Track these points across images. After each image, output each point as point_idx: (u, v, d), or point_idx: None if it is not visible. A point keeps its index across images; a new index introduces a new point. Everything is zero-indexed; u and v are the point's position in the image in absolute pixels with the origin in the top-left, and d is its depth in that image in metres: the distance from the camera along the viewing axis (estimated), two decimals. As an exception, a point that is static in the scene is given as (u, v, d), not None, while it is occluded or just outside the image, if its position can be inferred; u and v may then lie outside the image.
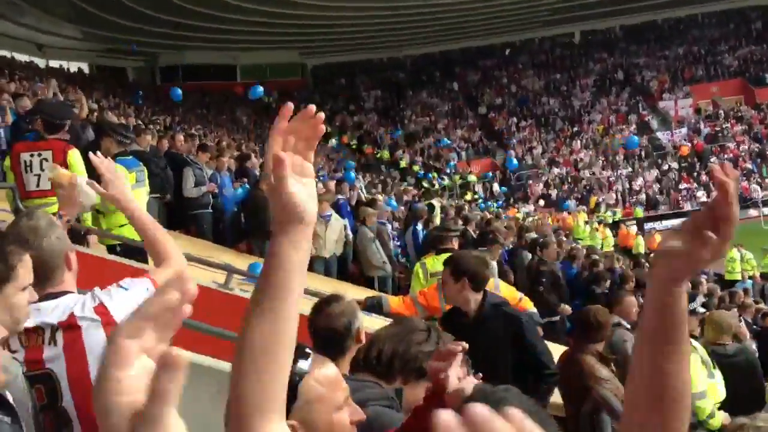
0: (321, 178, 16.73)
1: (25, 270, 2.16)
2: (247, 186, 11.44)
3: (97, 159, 2.80)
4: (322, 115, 1.37)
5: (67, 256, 2.50)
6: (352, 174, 19.16)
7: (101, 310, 2.40)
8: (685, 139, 39.08)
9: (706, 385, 5.22)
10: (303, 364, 1.79)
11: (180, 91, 20.75)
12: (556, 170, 39.14)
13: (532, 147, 41.12)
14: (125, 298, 2.45)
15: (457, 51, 48.61)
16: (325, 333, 3.08)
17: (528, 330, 4.38)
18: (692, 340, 5.41)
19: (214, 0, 33.27)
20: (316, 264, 10.58)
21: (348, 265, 11.61)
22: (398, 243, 12.63)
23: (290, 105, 1.33)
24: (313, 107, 1.36)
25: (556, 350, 9.11)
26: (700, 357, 5.27)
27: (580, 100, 44.33)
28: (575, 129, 42.03)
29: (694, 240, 1.24)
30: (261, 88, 19.57)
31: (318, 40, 43.62)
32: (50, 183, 6.05)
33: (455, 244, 7.05)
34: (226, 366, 4.36)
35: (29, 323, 2.33)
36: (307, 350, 1.85)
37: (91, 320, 2.38)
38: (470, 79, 47.87)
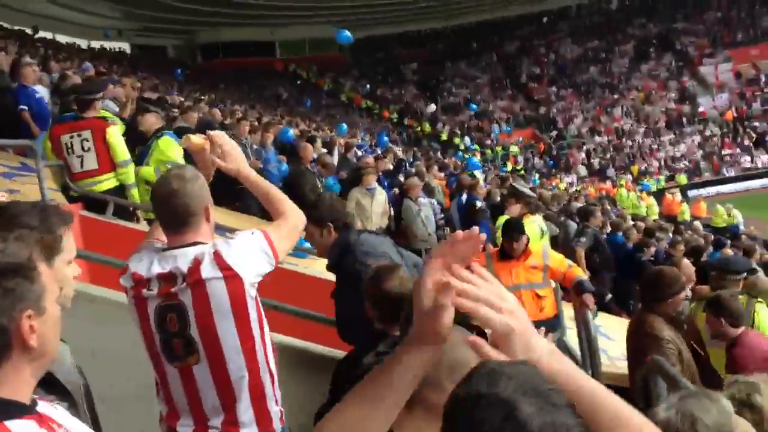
0: (365, 152, 16.66)
1: (69, 242, 2.12)
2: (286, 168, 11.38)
3: (213, 133, 2.98)
4: (483, 236, 1.35)
5: (207, 208, 2.76)
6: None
7: (219, 260, 2.64)
8: (726, 105, 38.41)
9: None
10: None
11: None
12: (597, 139, 38.62)
13: (572, 116, 40.56)
14: (236, 245, 2.71)
15: (493, 20, 47.88)
16: (386, 300, 3.17)
17: None
18: None
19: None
20: (363, 237, 10.52)
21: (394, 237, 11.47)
22: (441, 216, 12.47)
23: (459, 234, 1.33)
24: (477, 231, 1.33)
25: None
26: None
27: (620, 68, 43.59)
28: (615, 97, 41.37)
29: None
30: (347, 33, 16.69)
31: (355, 14, 43.29)
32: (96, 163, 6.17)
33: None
34: (282, 338, 4.33)
35: (165, 268, 2.67)
36: None
37: (212, 269, 2.64)
38: (508, 49, 47.21)
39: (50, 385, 1.87)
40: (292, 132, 12.96)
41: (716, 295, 4.93)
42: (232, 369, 2.70)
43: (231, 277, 2.64)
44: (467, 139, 34.87)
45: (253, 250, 2.72)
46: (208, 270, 2.63)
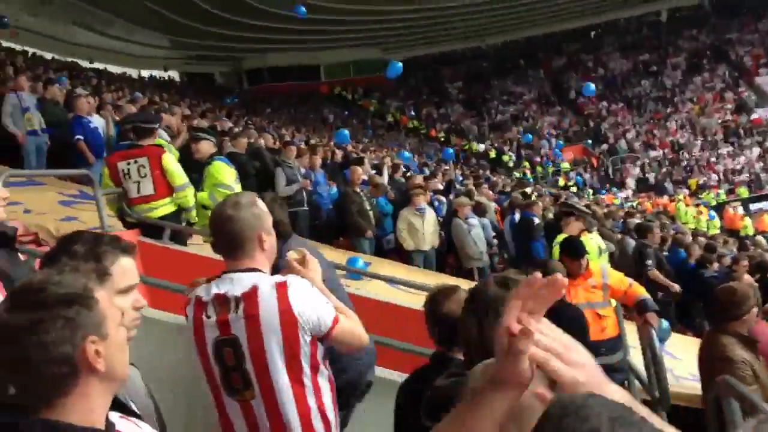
0: (413, 171, 16.66)
1: (121, 272, 2.15)
2: (335, 192, 11.45)
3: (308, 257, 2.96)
4: (565, 281, 1.31)
5: (261, 236, 2.78)
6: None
7: (282, 293, 2.65)
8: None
9: None
10: None
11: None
12: (652, 153, 37.79)
13: (625, 130, 39.88)
14: (308, 291, 2.72)
15: (539, 37, 47.61)
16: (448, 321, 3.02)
17: None
18: None
19: (292, 1, 33.49)
20: (416, 257, 10.52)
21: (445, 258, 11.49)
22: (494, 234, 12.38)
23: (538, 277, 1.31)
24: (561, 280, 1.30)
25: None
26: None
27: (672, 80, 42.70)
28: (669, 110, 40.55)
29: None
30: (400, 65, 17.00)
31: (397, 36, 43.52)
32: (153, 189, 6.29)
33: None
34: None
35: (221, 289, 2.72)
36: None
37: (270, 300, 2.65)
38: (555, 64, 46.91)
39: (120, 408, 1.88)
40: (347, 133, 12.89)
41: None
42: (283, 408, 2.71)
43: (287, 314, 2.65)
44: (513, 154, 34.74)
45: (316, 308, 2.71)
46: (264, 300, 2.65)
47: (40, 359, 1.43)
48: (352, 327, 2.82)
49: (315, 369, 2.75)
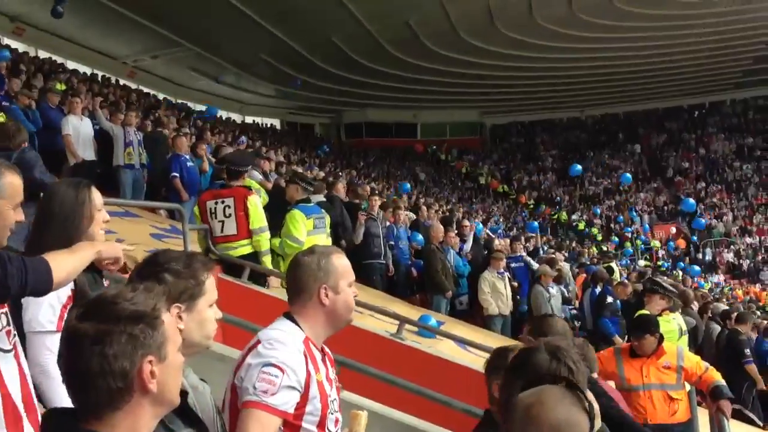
0: (499, 235, 16.62)
1: (211, 286, 2.28)
2: (421, 239, 11.53)
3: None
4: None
5: (324, 287, 2.53)
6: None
7: (253, 352, 2.42)
8: None
9: None
10: None
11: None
12: (748, 239, 36.66)
13: (722, 213, 38.78)
14: (254, 364, 2.38)
15: (640, 112, 47.04)
16: None
17: None
18: None
19: (397, 60, 34.21)
20: (495, 322, 10.44)
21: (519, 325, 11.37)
22: (570, 306, 12.19)
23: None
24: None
25: None
26: None
27: (776, 166, 41.34)
28: (769, 196, 39.34)
29: None
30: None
31: (497, 100, 43.72)
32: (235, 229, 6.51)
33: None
34: (397, 414, 4.31)
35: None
36: None
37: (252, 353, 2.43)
38: (654, 141, 46.08)
39: (187, 417, 1.96)
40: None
41: None
42: None
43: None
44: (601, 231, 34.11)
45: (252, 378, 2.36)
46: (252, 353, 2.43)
47: (99, 370, 1.47)
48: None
49: None
